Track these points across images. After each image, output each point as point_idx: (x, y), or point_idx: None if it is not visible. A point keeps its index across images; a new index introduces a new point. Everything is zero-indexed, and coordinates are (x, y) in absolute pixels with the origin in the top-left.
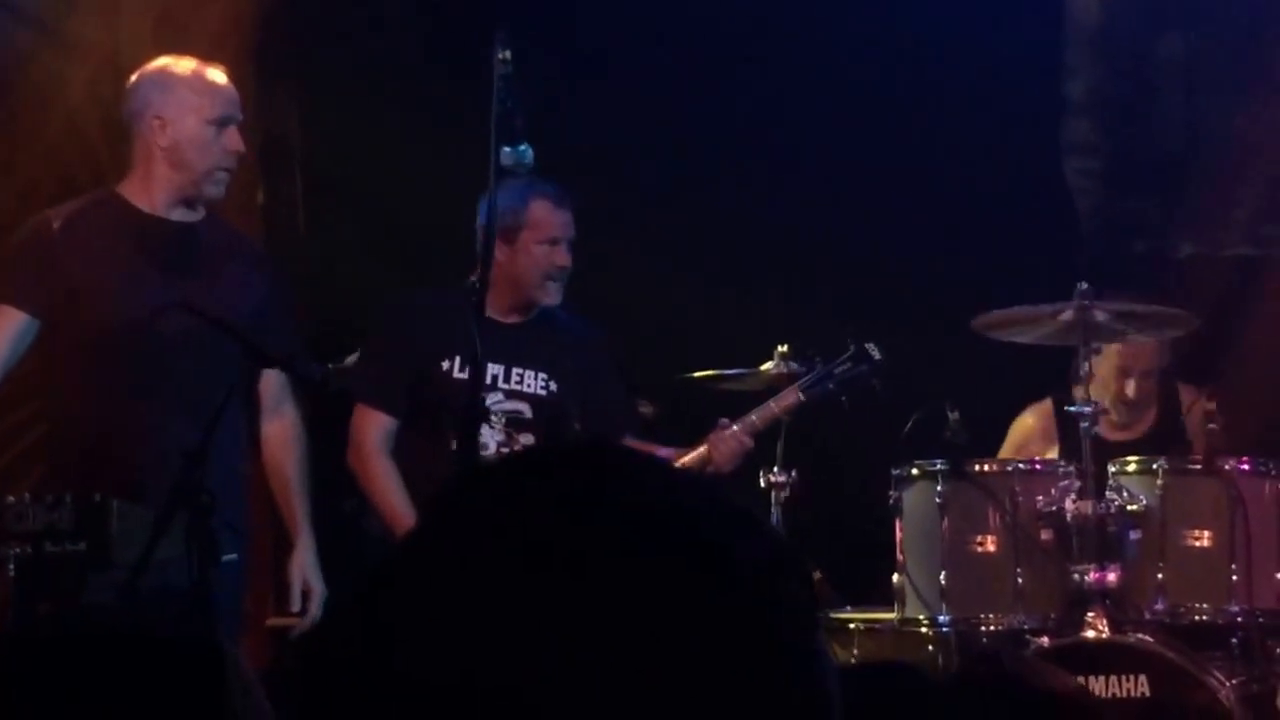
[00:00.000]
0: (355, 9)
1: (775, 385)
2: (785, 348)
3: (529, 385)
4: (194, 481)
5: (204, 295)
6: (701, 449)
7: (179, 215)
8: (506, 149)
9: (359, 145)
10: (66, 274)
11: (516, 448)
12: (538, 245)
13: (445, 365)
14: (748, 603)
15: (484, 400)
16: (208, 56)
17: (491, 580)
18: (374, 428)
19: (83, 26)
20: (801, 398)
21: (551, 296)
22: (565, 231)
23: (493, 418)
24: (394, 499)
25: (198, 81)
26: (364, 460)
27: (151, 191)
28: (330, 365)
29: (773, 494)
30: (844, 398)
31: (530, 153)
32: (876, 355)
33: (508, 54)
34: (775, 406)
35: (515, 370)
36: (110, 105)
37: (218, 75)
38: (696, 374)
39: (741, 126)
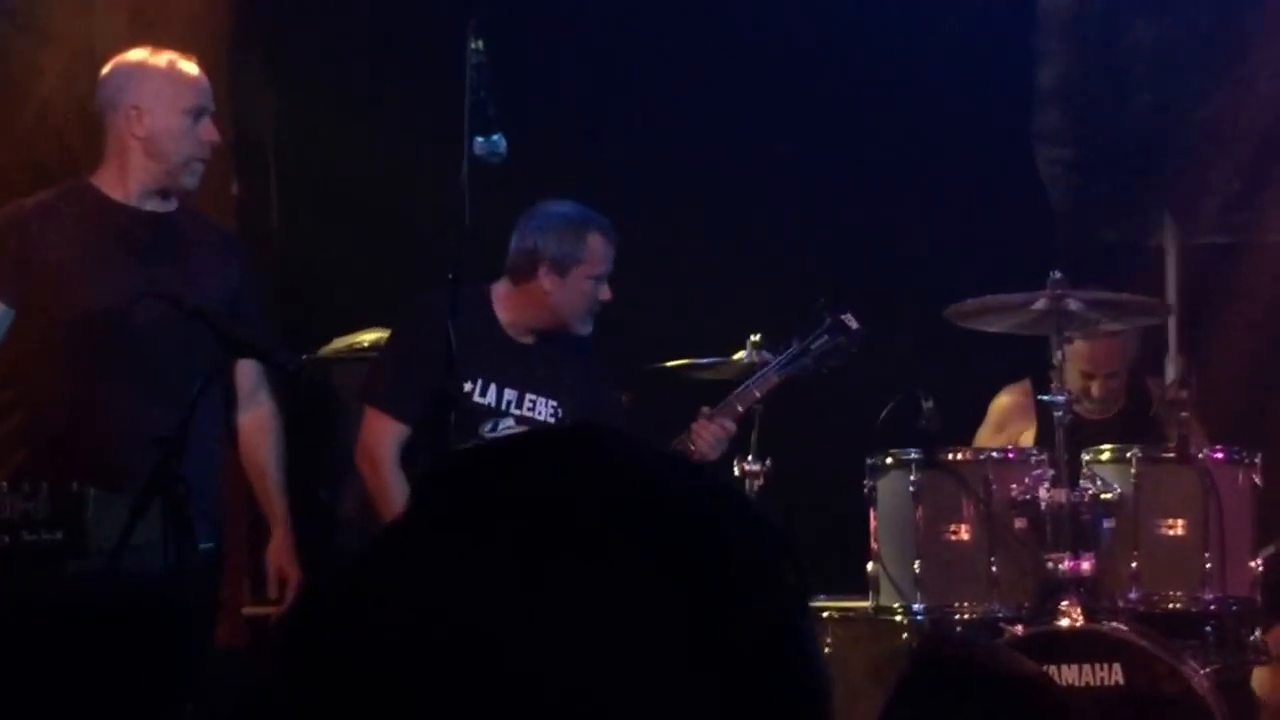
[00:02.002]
0: (327, 1)
1: (749, 374)
2: (758, 336)
3: (540, 412)
4: (170, 470)
5: (178, 284)
6: (683, 438)
7: (153, 205)
8: (480, 139)
9: (332, 136)
10: (40, 263)
11: None
12: (588, 280)
13: (467, 387)
14: (742, 587)
15: (493, 425)
16: (181, 48)
17: (478, 566)
18: (387, 435)
19: (56, 18)
20: (780, 378)
21: (587, 326)
22: (611, 267)
23: None
24: None
25: (173, 72)
26: (375, 468)
27: (126, 181)
28: (304, 355)
29: (747, 483)
30: (823, 370)
31: (503, 143)
32: (854, 325)
33: (481, 44)
34: (756, 389)
35: (529, 396)
36: (84, 96)
37: (191, 66)
38: (670, 363)
39: (714, 116)
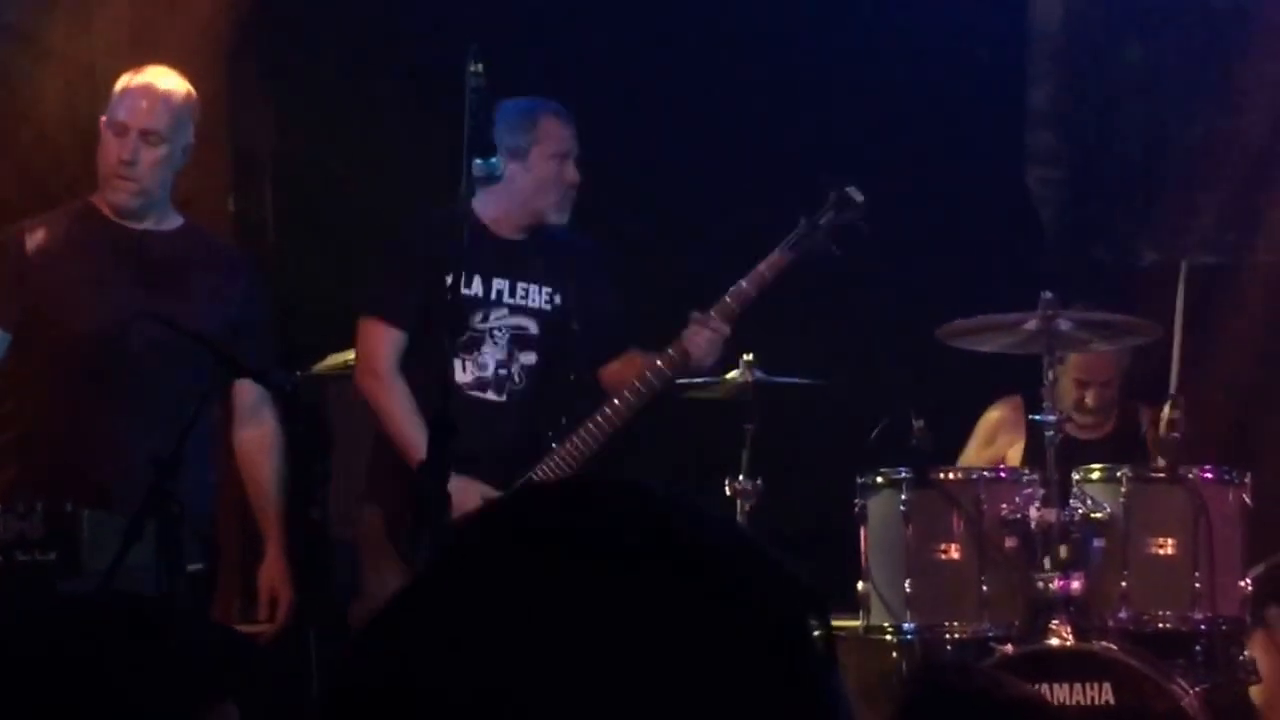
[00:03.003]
0: (329, 21)
1: (741, 394)
2: (751, 356)
3: (534, 300)
4: (165, 490)
5: (176, 304)
6: (676, 344)
7: (150, 223)
8: (479, 161)
9: (330, 155)
10: (38, 287)
11: (515, 367)
12: (549, 160)
13: (450, 280)
14: (772, 641)
15: (484, 315)
16: (181, 66)
17: (515, 616)
18: (386, 344)
19: (57, 37)
20: (789, 256)
21: (563, 214)
22: (573, 146)
23: (496, 334)
24: (410, 428)
25: (121, 86)
26: (379, 380)
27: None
28: (298, 372)
29: (738, 502)
30: (835, 247)
31: (501, 165)
32: (859, 198)
33: (480, 67)
34: (750, 286)
35: (520, 285)
36: (84, 116)
37: (145, 81)
38: None
39: (705, 130)
